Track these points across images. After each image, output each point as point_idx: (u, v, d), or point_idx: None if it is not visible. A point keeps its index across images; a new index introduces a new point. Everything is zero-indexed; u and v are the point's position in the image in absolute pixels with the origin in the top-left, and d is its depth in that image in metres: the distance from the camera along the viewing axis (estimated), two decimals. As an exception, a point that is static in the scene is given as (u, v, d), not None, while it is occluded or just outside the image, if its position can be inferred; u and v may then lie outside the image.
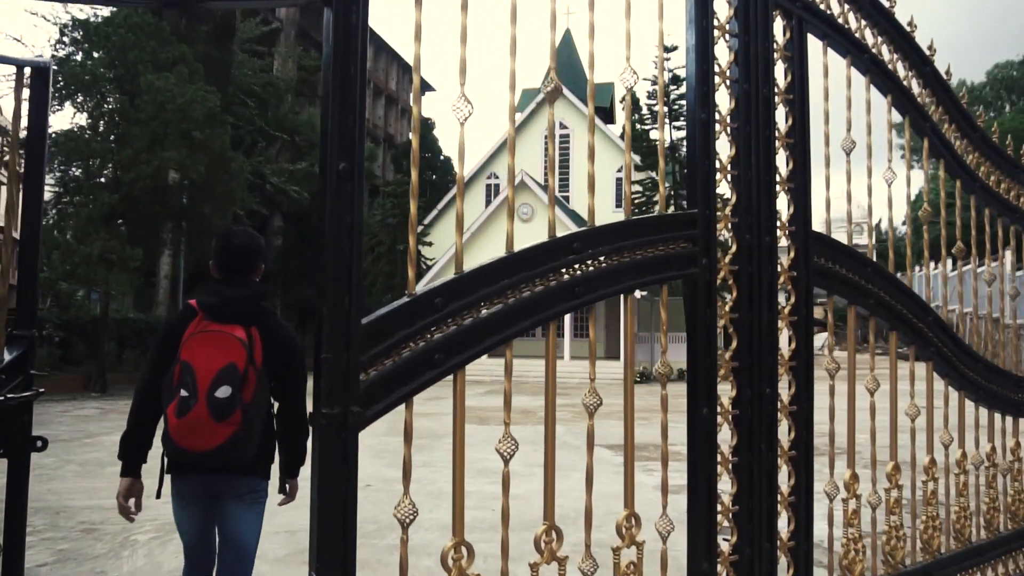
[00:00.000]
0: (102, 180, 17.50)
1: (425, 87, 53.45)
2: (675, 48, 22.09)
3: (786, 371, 2.70)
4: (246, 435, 2.54)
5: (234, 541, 2.79)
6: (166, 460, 2.69)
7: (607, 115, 32.88)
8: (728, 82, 2.61)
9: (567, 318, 24.61)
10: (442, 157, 42.85)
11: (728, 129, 2.59)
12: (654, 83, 25.01)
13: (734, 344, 2.56)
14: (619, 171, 27.63)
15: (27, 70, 2.34)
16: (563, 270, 2.12)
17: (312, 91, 36.04)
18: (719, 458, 2.48)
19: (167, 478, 2.74)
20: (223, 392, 2.49)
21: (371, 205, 38.86)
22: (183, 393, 2.48)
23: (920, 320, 3.25)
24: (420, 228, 27.35)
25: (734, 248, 2.58)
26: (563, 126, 29.48)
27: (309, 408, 1.80)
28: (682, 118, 24.66)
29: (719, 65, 2.57)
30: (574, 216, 25.68)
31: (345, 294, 1.74)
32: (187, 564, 2.87)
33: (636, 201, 25.23)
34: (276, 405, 2.82)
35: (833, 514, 2.85)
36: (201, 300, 2.68)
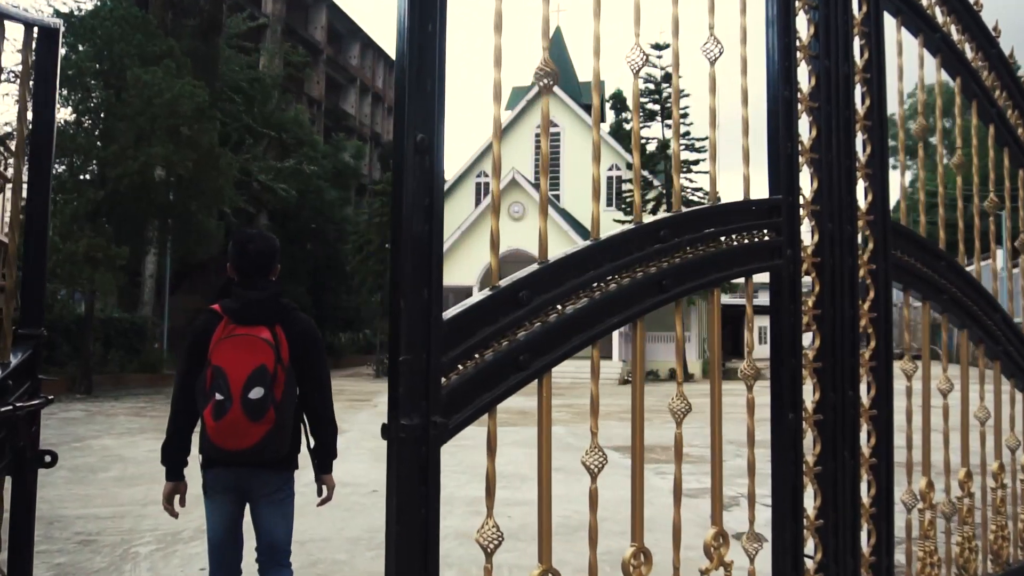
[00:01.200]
0: (87, 176, 17.05)
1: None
2: (666, 46, 21.94)
3: (866, 372, 2.50)
4: (279, 432, 2.70)
5: (270, 538, 2.92)
6: (205, 459, 2.83)
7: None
8: (808, 58, 2.39)
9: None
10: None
11: (808, 109, 2.38)
12: (647, 81, 24.88)
13: (816, 343, 2.35)
14: (610, 169, 27.45)
15: (35, 30, 2.08)
16: (650, 261, 1.90)
17: (298, 88, 35.62)
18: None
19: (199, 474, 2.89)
20: (256, 393, 2.64)
21: (358, 204, 38.50)
22: (218, 396, 2.62)
23: (989, 317, 3.05)
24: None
25: (815, 238, 2.36)
26: (553, 124, 29.27)
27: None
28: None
29: (800, 40, 2.36)
30: (566, 216, 25.47)
31: (424, 286, 1.50)
32: (212, 564, 2.94)
33: (627, 200, 25.06)
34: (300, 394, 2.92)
35: (911, 526, 2.65)
36: (224, 305, 2.80)
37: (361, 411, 13.53)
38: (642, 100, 25.16)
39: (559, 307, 1.71)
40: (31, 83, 2.08)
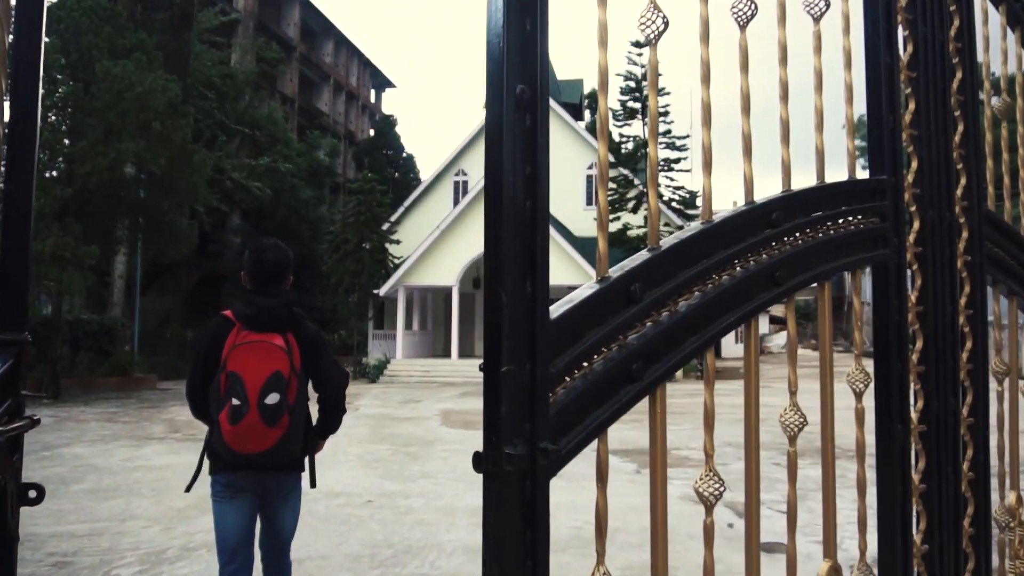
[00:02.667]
0: (54, 173, 16.40)
1: (385, 83, 52.49)
2: (639, 45, 21.71)
3: (964, 375, 2.23)
4: (293, 435, 2.82)
5: (279, 533, 3.08)
6: (215, 461, 2.91)
7: (576, 112, 32.48)
8: (905, 21, 2.12)
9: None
10: (404, 154, 41.95)
11: (907, 79, 2.11)
12: (627, 78, 24.71)
13: (919, 344, 2.07)
14: (589, 168, 27.21)
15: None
16: (762, 249, 1.60)
17: (271, 85, 34.97)
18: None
19: (210, 480, 2.94)
20: (272, 399, 2.74)
21: (333, 203, 37.90)
22: (235, 402, 2.71)
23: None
24: (386, 226, 26.93)
25: (917, 225, 2.09)
26: (532, 122, 28.98)
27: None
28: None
29: (900, 2, 2.08)
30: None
31: (527, 277, 1.19)
32: (228, 569, 2.95)
33: (609, 198, 24.83)
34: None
35: (1005, 546, 2.40)
36: (237, 311, 2.88)
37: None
38: (623, 98, 25.01)
39: (671, 304, 1.41)
40: (10, 35, 1.73)
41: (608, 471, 1.30)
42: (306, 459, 3.06)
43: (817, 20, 1.83)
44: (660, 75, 26.08)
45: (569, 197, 28.31)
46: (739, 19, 1.63)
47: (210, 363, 2.83)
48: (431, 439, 10.34)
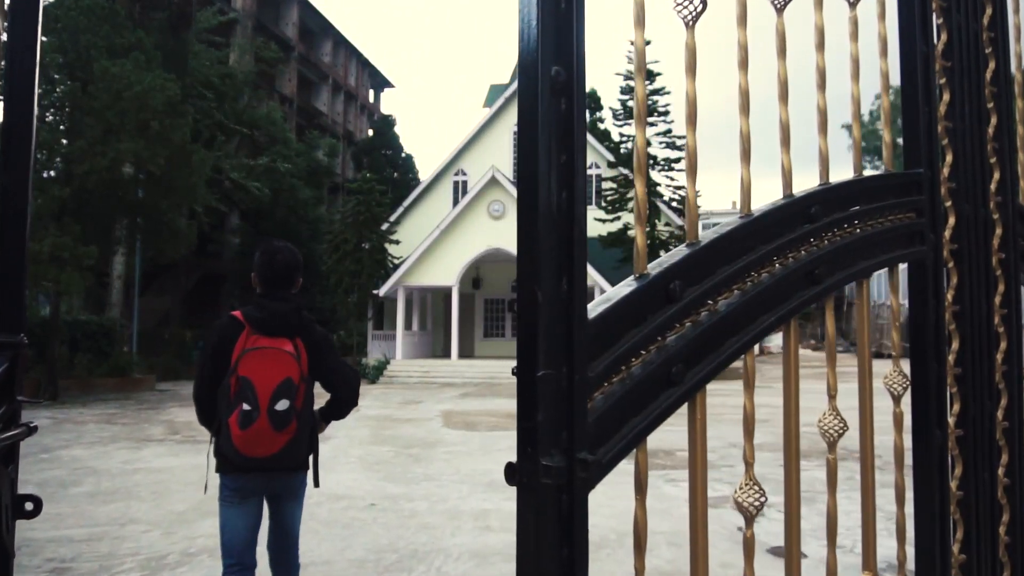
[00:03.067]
0: (52, 174, 16.28)
1: (383, 83, 52.36)
2: (648, 43, 21.65)
3: (1000, 377, 2.15)
4: (300, 439, 2.87)
5: (287, 532, 3.14)
6: (226, 463, 2.92)
7: (575, 111, 32.35)
8: (939, 9, 2.03)
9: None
10: (403, 155, 41.83)
11: (942, 69, 2.02)
12: (627, 77, 24.60)
13: (955, 345, 1.99)
14: (590, 168, 27.13)
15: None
16: (800, 245, 1.52)
17: (270, 85, 34.86)
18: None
19: (219, 481, 2.98)
20: (282, 405, 2.78)
21: (332, 203, 37.79)
22: (245, 407, 2.74)
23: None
24: (386, 226, 26.79)
25: (952, 221, 2.01)
26: (532, 122, 28.89)
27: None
28: (656, 113, 24.29)
29: (933, -13, 2.00)
30: (546, 213, 25.06)
31: (564, 273, 1.11)
32: (232, 569, 2.97)
33: (609, 198, 24.77)
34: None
35: (1039, 554, 2.31)
36: (248, 314, 2.91)
37: (344, 416, 13.03)
38: (624, 97, 24.91)
39: (711, 303, 1.33)
40: (5, 22, 1.64)
41: (647, 481, 1.21)
42: (310, 458, 3.08)
43: (853, 5, 1.75)
44: (660, 74, 26.00)
45: (569, 197, 28.22)
46: (776, 3, 1.55)
47: (218, 362, 2.86)
48: (433, 441, 10.25)
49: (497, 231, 24.02)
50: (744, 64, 1.44)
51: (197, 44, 25.04)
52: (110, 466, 8.28)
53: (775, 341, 44.91)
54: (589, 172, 27.26)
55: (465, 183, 28.53)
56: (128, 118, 15.26)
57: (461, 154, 29.14)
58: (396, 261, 26.08)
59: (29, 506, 1.61)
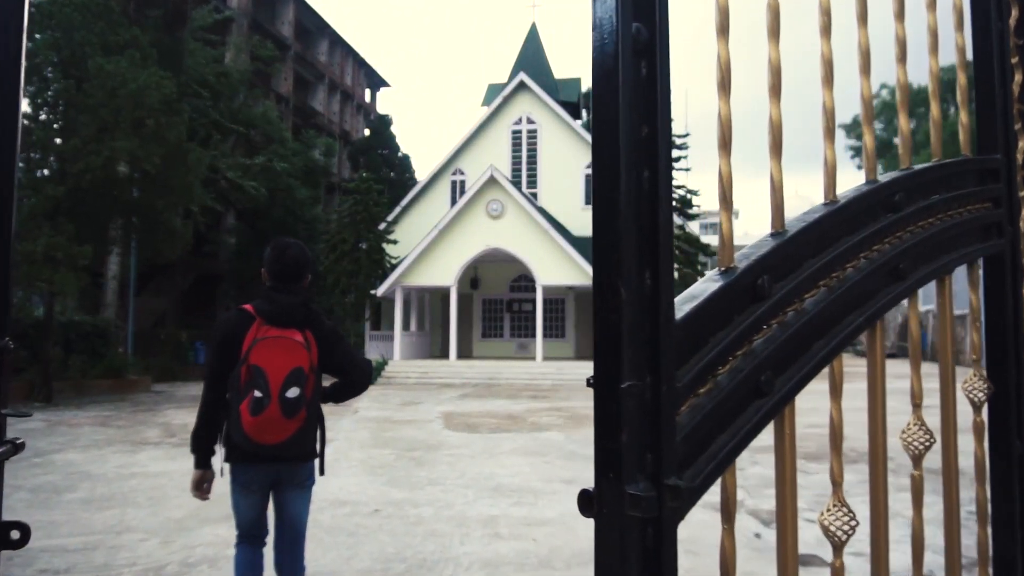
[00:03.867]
0: (45, 172, 16.05)
1: (379, 83, 52.12)
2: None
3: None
4: (309, 428, 2.95)
5: (293, 522, 3.17)
6: (235, 451, 2.99)
7: (574, 110, 32.25)
8: (1011, -17, 1.88)
9: (538, 311, 23.82)
10: (400, 154, 41.61)
11: (1016, 47, 1.87)
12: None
13: (1031, 348, 1.83)
14: (588, 167, 26.97)
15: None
16: (883, 237, 1.36)
17: (266, 84, 34.63)
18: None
19: (227, 467, 3.06)
20: (293, 393, 2.84)
21: (328, 202, 37.58)
22: (256, 394, 2.80)
23: None
24: (383, 226, 26.57)
25: (1027, 213, 1.85)
26: (530, 121, 28.75)
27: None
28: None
29: (1005, -41, 1.84)
30: (543, 214, 24.94)
31: (647, 268, 0.94)
32: (242, 545, 3.13)
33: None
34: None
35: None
36: (258, 307, 2.98)
37: (343, 417, 12.84)
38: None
39: (798, 301, 1.16)
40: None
41: (735, 508, 1.05)
42: (316, 446, 3.14)
43: (931, -26, 1.59)
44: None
45: (567, 196, 28.09)
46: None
47: (226, 352, 2.93)
48: (435, 443, 10.07)
49: (495, 231, 23.84)
50: (826, 30, 1.28)
51: (193, 42, 24.80)
52: (105, 471, 8.08)
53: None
54: (586, 171, 27.21)
55: (463, 183, 28.34)
56: (123, 116, 15.05)
57: (459, 153, 28.95)
58: (394, 261, 25.89)
59: (15, 534, 1.44)
